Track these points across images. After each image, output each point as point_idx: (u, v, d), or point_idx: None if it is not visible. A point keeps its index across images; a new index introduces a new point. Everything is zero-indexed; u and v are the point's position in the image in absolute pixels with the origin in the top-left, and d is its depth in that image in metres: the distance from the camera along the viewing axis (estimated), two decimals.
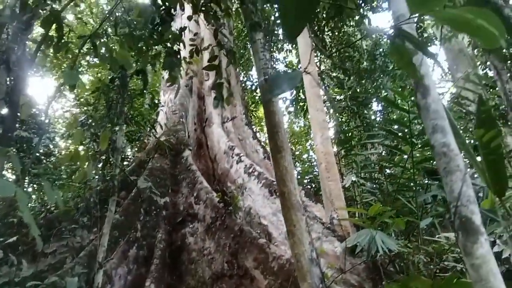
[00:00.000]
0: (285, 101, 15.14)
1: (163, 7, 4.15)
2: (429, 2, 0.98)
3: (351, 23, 10.60)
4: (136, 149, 11.52)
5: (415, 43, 1.32)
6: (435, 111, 1.90)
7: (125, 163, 11.37)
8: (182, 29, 4.44)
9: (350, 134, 13.13)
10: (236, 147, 10.40)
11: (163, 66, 4.34)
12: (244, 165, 9.78)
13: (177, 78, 4.38)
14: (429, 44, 11.71)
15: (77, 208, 7.92)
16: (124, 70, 4.15)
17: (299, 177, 15.29)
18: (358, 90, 11.82)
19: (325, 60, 12.81)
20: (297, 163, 19.79)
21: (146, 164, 9.46)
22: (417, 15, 1.41)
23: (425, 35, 11.32)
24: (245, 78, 18.00)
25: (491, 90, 9.73)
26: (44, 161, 11.40)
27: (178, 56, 4.36)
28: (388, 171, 8.75)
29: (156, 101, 9.69)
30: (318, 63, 12.57)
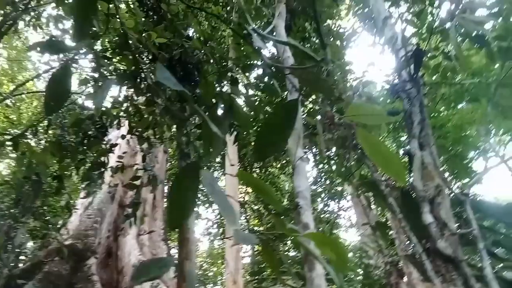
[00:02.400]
0: (208, 222, 14.93)
1: (99, 122, 4.22)
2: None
3: (277, 165, 11.41)
4: (38, 246, 10.27)
5: None
6: (318, 286, 1.99)
7: (21, 257, 9.99)
8: (113, 145, 4.48)
9: (263, 265, 12.92)
10: None
11: (82, 178, 4.21)
12: (151, 283, 9.00)
13: (92, 193, 4.23)
14: (342, 196, 12.69)
15: None
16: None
17: None
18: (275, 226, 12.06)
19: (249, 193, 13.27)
20: (208, 286, 18.61)
21: (44, 265, 8.38)
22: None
23: (339, 189, 12.32)
24: None
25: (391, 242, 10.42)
26: None
27: (102, 170, 4.29)
28: None
29: (74, 201, 9.07)
30: (243, 193, 12.94)
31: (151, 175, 4.40)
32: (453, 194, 4.16)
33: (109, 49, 4.08)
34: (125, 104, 4.58)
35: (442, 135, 10.74)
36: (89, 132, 4.14)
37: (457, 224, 3.77)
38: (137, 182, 4.30)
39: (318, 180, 14.54)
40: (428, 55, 4.88)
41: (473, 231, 3.64)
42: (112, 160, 4.89)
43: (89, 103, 4.63)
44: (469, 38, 5.05)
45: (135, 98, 4.33)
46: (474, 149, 11.34)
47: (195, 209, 14.58)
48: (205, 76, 3.90)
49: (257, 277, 12.82)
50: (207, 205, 14.24)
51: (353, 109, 1.34)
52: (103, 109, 4.25)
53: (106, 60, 3.94)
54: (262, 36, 2.39)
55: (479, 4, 4.65)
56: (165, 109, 3.94)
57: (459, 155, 10.80)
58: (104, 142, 4.35)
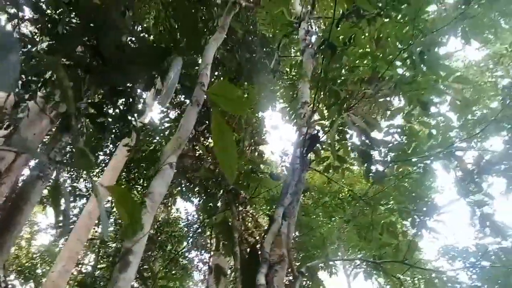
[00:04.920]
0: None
1: None
2: None
3: None
4: None
5: None
6: None
7: None
8: None
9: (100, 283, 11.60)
10: None
11: None
12: None
13: None
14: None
15: None
16: None
17: None
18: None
19: None
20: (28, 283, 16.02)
21: None
22: None
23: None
24: None
25: None
26: None
27: None
28: None
29: None
30: None
31: (14, 126, 3.67)
32: (291, 269, 4.15)
33: None
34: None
35: (310, 233, 11.21)
36: None
37: None
38: None
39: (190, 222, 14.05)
40: (323, 147, 5.15)
41: None
42: None
43: None
44: (357, 151, 5.46)
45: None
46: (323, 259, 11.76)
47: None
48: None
49: None
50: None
51: (217, 88, 1.18)
52: None
53: None
54: None
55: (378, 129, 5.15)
56: (69, 66, 3.45)
57: (308, 257, 11.25)
58: None
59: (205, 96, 3.42)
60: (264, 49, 10.45)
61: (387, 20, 4.33)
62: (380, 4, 4.39)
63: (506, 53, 9.46)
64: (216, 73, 11.06)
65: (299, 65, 6.31)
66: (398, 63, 4.20)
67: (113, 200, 1.12)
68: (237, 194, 4.19)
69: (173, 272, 13.78)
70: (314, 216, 11.66)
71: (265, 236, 4.00)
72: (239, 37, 10.02)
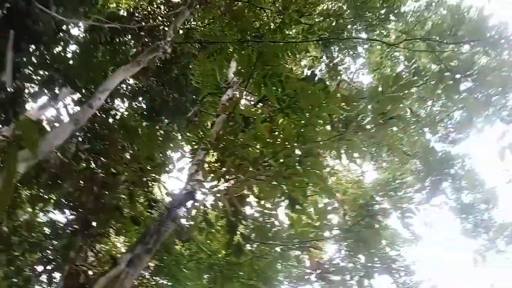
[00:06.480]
0: None
1: None
2: None
3: None
4: None
5: None
6: None
7: None
8: None
9: None
10: None
11: None
12: None
13: None
14: None
15: None
16: None
17: None
18: None
19: None
20: None
21: None
22: None
23: None
24: None
25: None
26: None
27: None
28: None
29: None
30: None
31: None
32: None
33: None
34: None
35: (175, 285, 10.71)
36: None
37: None
38: None
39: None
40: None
41: None
42: None
43: None
44: (226, 220, 5.56)
45: None
46: None
47: None
48: None
49: None
50: None
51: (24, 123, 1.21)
52: None
53: None
54: None
55: None
56: None
57: None
58: None
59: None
60: (194, 96, 10.68)
61: (285, 116, 4.82)
62: (285, 100, 4.91)
63: (388, 182, 10.87)
64: (140, 99, 10.85)
65: (212, 124, 6.54)
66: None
67: None
68: (89, 225, 3.98)
69: (13, 279, 11.95)
70: (184, 269, 11.26)
71: (101, 277, 3.79)
72: (173, 76, 10.16)
